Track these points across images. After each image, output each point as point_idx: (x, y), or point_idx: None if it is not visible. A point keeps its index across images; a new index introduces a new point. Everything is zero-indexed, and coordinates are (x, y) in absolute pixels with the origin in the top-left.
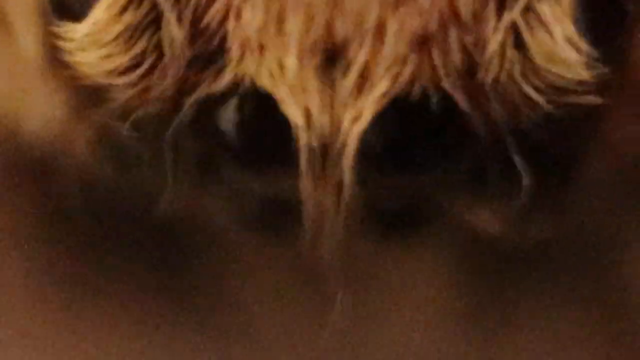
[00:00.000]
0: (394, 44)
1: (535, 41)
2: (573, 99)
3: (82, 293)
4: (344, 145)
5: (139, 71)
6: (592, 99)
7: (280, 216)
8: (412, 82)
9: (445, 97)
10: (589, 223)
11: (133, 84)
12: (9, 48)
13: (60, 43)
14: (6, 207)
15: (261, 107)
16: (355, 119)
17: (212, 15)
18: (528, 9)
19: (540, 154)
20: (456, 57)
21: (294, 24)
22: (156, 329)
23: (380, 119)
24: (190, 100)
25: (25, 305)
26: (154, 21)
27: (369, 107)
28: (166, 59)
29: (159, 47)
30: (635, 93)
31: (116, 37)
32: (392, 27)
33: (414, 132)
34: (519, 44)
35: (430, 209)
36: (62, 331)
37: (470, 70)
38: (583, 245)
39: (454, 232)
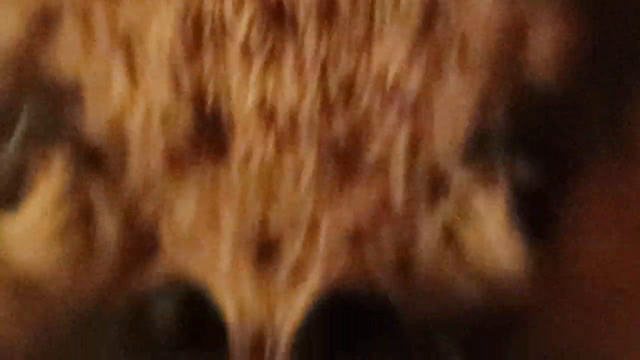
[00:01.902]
0: (327, 239)
1: (467, 236)
2: (508, 295)
3: None
4: (276, 340)
5: (73, 267)
6: (527, 297)
7: None
8: (345, 277)
9: (378, 292)
10: None
11: (67, 280)
12: None
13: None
14: None
15: (195, 302)
16: (288, 314)
17: (145, 210)
18: (461, 204)
19: (475, 348)
20: (389, 252)
21: (227, 219)
22: None
23: (313, 314)
24: (123, 296)
25: None
26: (87, 217)
27: (301, 302)
28: (100, 254)
29: (92, 243)
30: (568, 294)
31: (53, 228)
32: (325, 223)
33: (349, 327)
34: (451, 239)
35: None
36: None
37: (403, 265)
38: None
39: None
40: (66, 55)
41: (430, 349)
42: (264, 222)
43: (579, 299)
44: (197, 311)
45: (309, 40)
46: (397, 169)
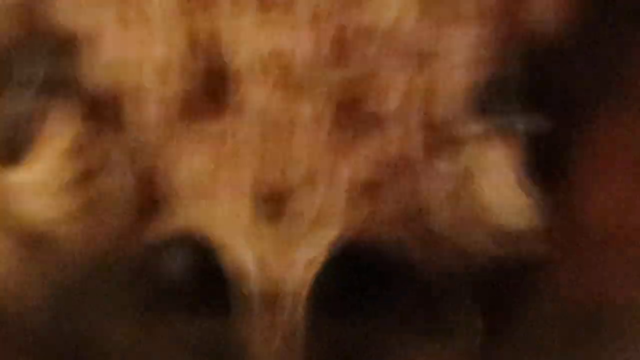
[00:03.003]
0: (344, 191)
1: (485, 186)
2: (522, 245)
3: None
4: (296, 291)
5: (87, 218)
6: (541, 246)
7: None
8: (362, 228)
9: (397, 243)
10: None
11: (77, 232)
12: None
13: (9, 185)
14: None
15: (210, 255)
16: (307, 265)
17: (159, 162)
18: (476, 154)
19: (490, 297)
20: (405, 203)
21: (246, 171)
22: None
23: (332, 265)
24: (134, 248)
25: None
26: (99, 169)
27: (320, 252)
28: (115, 206)
29: (107, 194)
30: (581, 242)
31: (66, 180)
32: (342, 174)
33: (366, 277)
34: (470, 189)
35: (382, 353)
36: None
37: (419, 216)
38: None
39: None
40: (72, 6)
41: (446, 299)
42: (281, 174)
43: (592, 247)
44: (206, 264)
45: None
46: (413, 120)
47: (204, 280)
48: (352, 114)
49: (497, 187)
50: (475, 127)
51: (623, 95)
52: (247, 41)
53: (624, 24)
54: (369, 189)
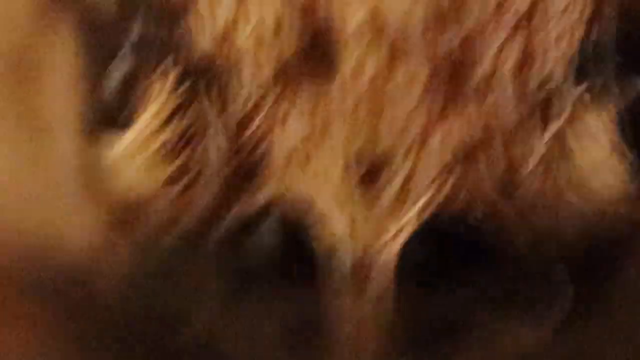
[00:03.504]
0: (438, 154)
1: (580, 151)
2: (617, 211)
3: None
4: (385, 259)
5: (182, 183)
6: (632, 218)
7: (317, 335)
8: (456, 193)
9: (488, 212)
10: (626, 339)
11: (175, 197)
12: (47, 160)
13: (103, 154)
14: (43, 328)
15: (300, 226)
16: (398, 230)
17: (257, 124)
18: (573, 119)
19: (581, 270)
20: (499, 171)
21: (339, 133)
22: None
23: (423, 231)
24: (230, 215)
25: None
26: (197, 135)
27: (411, 218)
28: (210, 170)
29: (202, 158)
30: None
31: (161, 147)
32: (437, 137)
33: (456, 245)
34: (565, 154)
35: (470, 325)
36: None
37: (513, 184)
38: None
39: (493, 349)
40: None
41: (536, 270)
42: (374, 139)
43: None
44: (296, 236)
45: None
46: (509, 83)
47: (293, 253)
48: (447, 76)
49: (593, 152)
50: (570, 92)
51: None
52: (345, 3)
53: None
54: (461, 157)
